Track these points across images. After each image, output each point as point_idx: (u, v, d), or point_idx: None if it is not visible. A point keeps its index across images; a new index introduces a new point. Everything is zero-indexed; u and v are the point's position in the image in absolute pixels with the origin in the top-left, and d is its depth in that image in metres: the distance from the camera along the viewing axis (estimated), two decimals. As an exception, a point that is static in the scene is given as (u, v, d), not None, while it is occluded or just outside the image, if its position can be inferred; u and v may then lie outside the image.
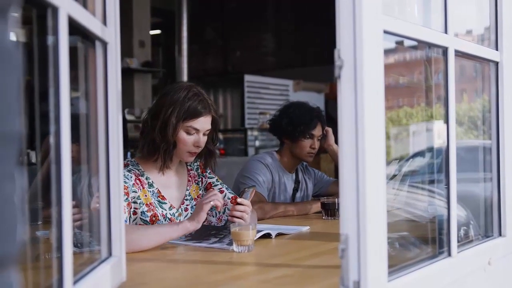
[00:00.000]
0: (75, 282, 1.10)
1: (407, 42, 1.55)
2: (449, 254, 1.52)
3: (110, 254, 1.39)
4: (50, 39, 1.03)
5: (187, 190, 2.36)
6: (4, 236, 0.56)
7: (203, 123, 2.22)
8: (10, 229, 0.56)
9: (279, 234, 2.20)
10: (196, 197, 2.38)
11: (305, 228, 2.37)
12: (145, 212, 2.17)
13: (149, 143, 2.22)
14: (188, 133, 2.21)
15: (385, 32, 1.26)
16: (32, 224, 1.40)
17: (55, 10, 1.00)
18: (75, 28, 1.12)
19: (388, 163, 1.29)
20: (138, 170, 2.23)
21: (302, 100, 3.26)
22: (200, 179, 2.43)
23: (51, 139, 1.01)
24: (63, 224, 1.02)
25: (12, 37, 0.59)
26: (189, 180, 2.39)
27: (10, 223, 0.56)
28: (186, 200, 2.35)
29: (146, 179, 2.24)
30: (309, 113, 3.04)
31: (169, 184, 2.31)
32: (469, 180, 1.93)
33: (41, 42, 1.06)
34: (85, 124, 1.38)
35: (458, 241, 1.56)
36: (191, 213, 2.31)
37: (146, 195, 2.20)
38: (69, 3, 1.05)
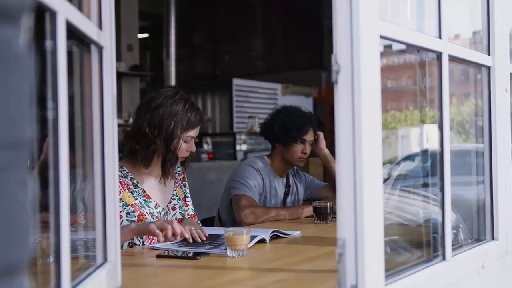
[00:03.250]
0: (72, 288, 1.09)
1: (395, 46, 1.55)
2: (444, 258, 1.53)
3: (105, 259, 1.38)
4: (47, 43, 1.02)
5: (174, 190, 2.45)
6: (18, 243, 0.56)
7: (198, 130, 2.36)
8: (23, 236, 0.56)
9: (273, 237, 2.21)
10: (181, 198, 2.48)
11: (297, 233, 2.37)
12: (131, 213, 2.23)
13: (151, 154, 2.28)
14: (186, 141, 2.32)
15: (382, 37, 1.26)
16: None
17: (53, 14, 0.99)
18: (71, 32, 1.11)
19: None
20: (121, 172, 2.26)
21: (292, 104, 3.26)
22: (183, 184, 2.54)
23: (50, 144, 1.00)
24: (61, 229, 1.01)
25: (24, 42, 0.58)
26: (175, 182, 2.47)
27: (23, 229, 0.56)
28: (174, 199, 2.43)
29: (131, 179, 2.30)
30: (301, 118, 3.04)
31: (155, 185, 2.37)
32: (459, 184, 1.95)
33: (38, 46, 1.05)
34: (80, 128, 1.37)
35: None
36: (179, 212, 2.43)
37: (129, 197, 2.25)
38: (67, 8, 1.05)
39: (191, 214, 2.47)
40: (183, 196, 2.50)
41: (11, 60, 0.56)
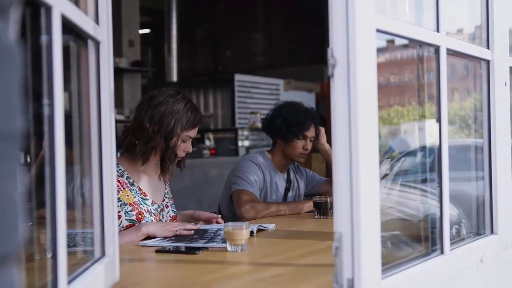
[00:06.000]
0: (69, 282, 1.10)
1: (398, 41, 1.55)
2: (442, 252, 1.53)
3: (103, 254, 1.39)
4: (43, 38, 1.02)
5: (166, 189, 2.49)
6: (7, 233, 0.56)
7: (196, 131, 2.39)
8: (12, 227, 0.57)
9: (259, 230, 2.26)
10: (171, 197, 2.52)
11: (271, 226, 2.40)
12: (129, 212, 2.25)
13: (150, 150, 2.30)
14: (183, 141, 2.34)
15: (378, 30, 1.26)
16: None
17: (48, 9, 0.99)
18: (67, 27, 1.11)
19: (380, 162, 1.29)
20: (118, 171, 2.27)
21: (294, 100, 3.25)
22: (169, 184, 2.57)
23: (45, 140, 1.01)
24: (57, 224, 1.01)
25: (13, 35, 0.59)
26: (166, 181, 2.51)
27: (13, 220, 0.57)
28: (166, 197, 2.47)
29: (127, 178, 2.32)
30: (303, 114, 3.04)
31: (149, 183, 2.40)
32: (461, 179, 1.94)
33: (34, 41, 1.05)
34: (77, 124, 1.37)
35: (450, 239, 1.57)
36: (172, 210, 2.47)
37: (128, 195, 2.28)
38: (63, 2, 1.05)
39: (173, 216, 2.48)
40: (171, 195, 2.54)
41: (0, 53, 0.56)
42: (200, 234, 2.16)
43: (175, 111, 2.29)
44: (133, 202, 2.27)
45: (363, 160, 1.17)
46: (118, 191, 2.23)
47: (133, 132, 2.31)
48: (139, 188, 2.33)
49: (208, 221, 2.44)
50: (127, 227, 2.22)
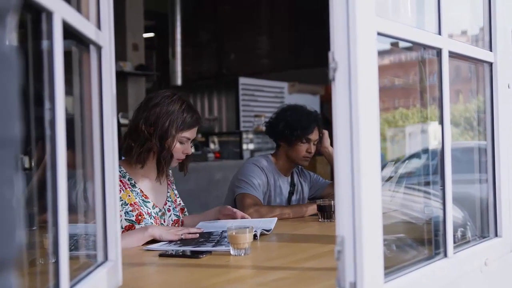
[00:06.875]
0: (71, 286, 1.10)
1: (402, 43, 1.55)
2: (445, 255, 1.53)
3: (106, 258, 1.39)
4: (44, 43, 1.02)
5: (168, 192, 2.48)
6: (4, 239, 0.56)
7: (194, 132, 2.38)
8: (9, 233, 0.57)
9: (262, 234, 2.25)
10: (173, 200, 2.50)
11: (274, 220, 2.44)
12: (130, 212, 2.26)
13: (146, 151, 2.30)
14: (181, 142, 2.34)
15: (379, 34, 1.26)
16: (27, 229, 1.39)
17: (49, 14, 1.00)
18: (69, 32, 1.12)
19: (384, 164, 1.28)
20: (120, 172, 2.28)
21: (298, 102, 3.25)
22: (173, 186, 2.57)
23: (47, 144, 1.01)
24: (59, 229, 1.02)
25: (10, 42, 0.59)
26: (168, 184, 2.50)
27: (10, 227, 0.57)
28: (168, 201, 2.46)
29: (129, 180, 2.33)
30: (306, 117, 3.04)
31: (151, 186, 2.40)
32: (465, 182, 1.94)
33: (35, 46, 1.05)
34: (80, 128, 1.37)
35: (455, 242, 1.56)
36: (173, 214, 2.46)
37: (129, 195, 2.29)
38: (64, 8, 1.05)
39: (175, 219, 2.48)
40: (175, 198, 2.53)
41: (-3, 59, 0.56)
42: (206, 237, 2.16)
43: (170, 111, 2.28)
44: (134, 203, 2.27)
45: (365, 163, 1.17)
46: (120, 190, 2.23)
47: (130, 135, 2.32)
48: (141, 190, 2.33)
49: (231, 217, 2.46)
50: (126, 228, 2.22)
